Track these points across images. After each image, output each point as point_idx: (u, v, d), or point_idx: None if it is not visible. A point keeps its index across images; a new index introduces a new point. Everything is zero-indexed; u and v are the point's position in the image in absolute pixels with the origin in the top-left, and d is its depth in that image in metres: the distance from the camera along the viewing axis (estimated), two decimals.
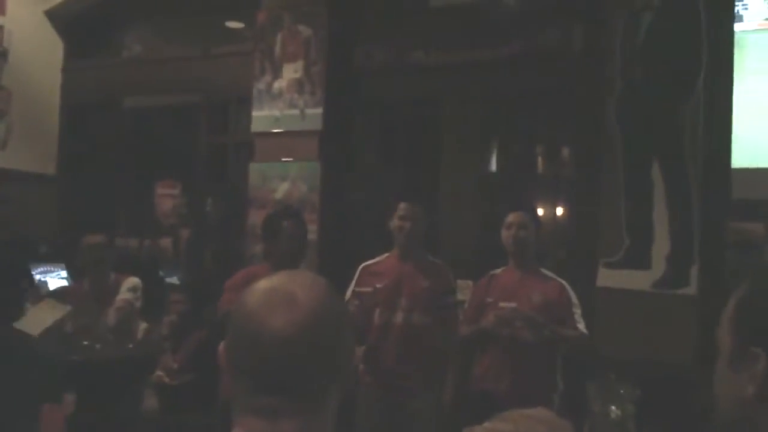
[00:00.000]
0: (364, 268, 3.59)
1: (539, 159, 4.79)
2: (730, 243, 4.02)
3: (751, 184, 3.95)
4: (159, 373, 4.51)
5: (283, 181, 4.89)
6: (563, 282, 3.38)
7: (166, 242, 5.73)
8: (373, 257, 3.66)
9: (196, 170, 5.71)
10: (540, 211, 4.25)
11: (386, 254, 3.59)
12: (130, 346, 3.98)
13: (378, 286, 3.48)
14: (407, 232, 3.47)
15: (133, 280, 4.16)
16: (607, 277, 4.10)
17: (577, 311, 3.31)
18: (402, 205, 3.51)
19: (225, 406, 3.05)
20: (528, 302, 3.27)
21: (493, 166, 4.88)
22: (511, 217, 3.37)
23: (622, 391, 3.42)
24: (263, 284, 1.03)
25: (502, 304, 3.27)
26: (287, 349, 0.97)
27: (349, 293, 3.52)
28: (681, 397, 3.65)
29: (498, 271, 3.47)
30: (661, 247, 4.02)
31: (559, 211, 4.68)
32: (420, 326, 3.44)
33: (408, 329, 3.43)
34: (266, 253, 3.47)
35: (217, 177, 5.65)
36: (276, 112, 4.95)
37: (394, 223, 3.50)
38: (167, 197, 5.65)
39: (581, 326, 3.27)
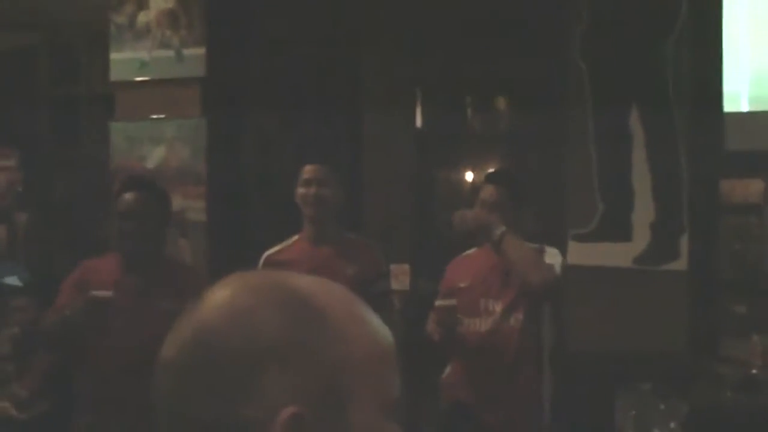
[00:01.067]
0: (267, 258, 3.13)
1: (491, 107, 4.41)
2: (725, 205, 3.69)
3: (750, 132, 3.62)
4: (2, 404, 3.76)
5: (157, 145, 4.34)
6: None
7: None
8: (279, 242, 3.17)
9: (37, 134, 5.01)
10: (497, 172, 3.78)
11: (294, 237, 3.09)
12: None
13: None
14: (316, 201, 2.97)
15: None
16: (578, 253, 3.75)
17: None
18: (308, 168, 3.01)
19: None
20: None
21: (430, 119, 4.33)
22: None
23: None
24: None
25: (439, 303, 2.95)
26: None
27: None
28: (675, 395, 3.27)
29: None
30: (642, 213, 3.72)
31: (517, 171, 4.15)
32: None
33: None
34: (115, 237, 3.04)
35: (66, 142, 5.01)
36: (143, 54, 4.40)
37: (299, 191, 2.99)
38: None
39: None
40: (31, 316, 3.86)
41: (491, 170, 3.68)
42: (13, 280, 4.64)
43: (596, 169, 3.76)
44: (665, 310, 3.60)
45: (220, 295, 0.77)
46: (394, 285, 3.49)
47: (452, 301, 2.87)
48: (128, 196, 2.86)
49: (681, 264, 3.62)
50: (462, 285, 2.97)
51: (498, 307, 2.92)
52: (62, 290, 2.87)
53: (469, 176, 4.24)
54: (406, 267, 3.83)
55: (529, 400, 2.94)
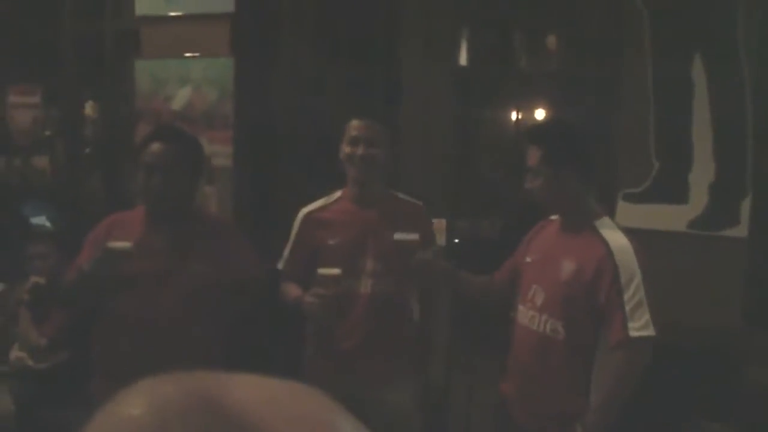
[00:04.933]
0: (307, 215, 2.92)
1: (539, 50, 4.18)
2: None
3: None
4: (18, 354, 3.77)
5: (183, 86, 4.19)
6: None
7: (41, 161, 4.95)
8: (314, 195, 2.97)
9: (61, 71, 4.84)
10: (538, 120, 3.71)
11: (336, 194, 2.90)
12: None
13: (330, 242, 2.79)
14: (364, 162, 2.76)
15: None
16: (629, 214, 3.60)
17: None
18: (355, 124, 2.80)
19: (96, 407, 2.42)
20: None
21: (473, 60, 4.13)
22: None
23: None
24: None
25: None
26: None
27: (287, 251, 2.88)
28: (730, 372, 3.26)
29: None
30: (702, 173, 3.54)
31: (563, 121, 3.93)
32: (395, 295, 2.85)
33: (378, 300, 2.81)
34: (140, 191, 2.77)
35: (90, 80, 4.84)
36: None
37: (345, 150, 2.77)
38: (23, 107, 4.89)
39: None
40: (51, 265, 3.81)
41: (531, 129, 3.45)
42: (40, 220, 4.69)
43: (653, 123, 3.58)
44: (722, 279, 3.43)
45: (121, 416, 0.58)
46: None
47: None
48: (155, 146, 2.62)
49: (741, 230, 3.45)
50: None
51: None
52: (85, 245, 2.71)
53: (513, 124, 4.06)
54: (442, 222, 3.69)
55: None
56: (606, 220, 2.55)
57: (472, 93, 4.12)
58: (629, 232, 3.49)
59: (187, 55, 4.20)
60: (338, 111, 3.08)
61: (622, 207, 3.61)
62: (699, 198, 3.52)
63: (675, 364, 3.27)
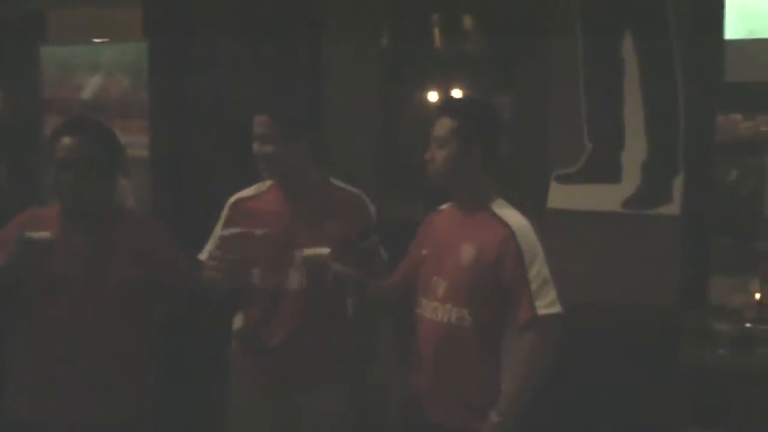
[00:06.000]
0: (236, 202, 2.82)
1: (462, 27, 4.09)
2: (722, 143, 3.52)
3: (752, 62, 3.44)
4: None
5: (94, 73, 4.09)
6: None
7: None
8: (230, 182, 2.91)
9: None
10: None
11: (268, 182, 2.78)
12: None
13: (258, 233, 2.65)
14: (266, 159, 2.67)
15: None
16: (561, 195, 3.64)
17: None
18: (256, 120, 2.68)
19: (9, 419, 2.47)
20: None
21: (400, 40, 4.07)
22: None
23: None
24: None
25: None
26: None
27: (210, 244, 2.74)
28: (666, 351, 3.26)
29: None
30: (634, 151, 3.56)
31: (497, 102, 4.00)
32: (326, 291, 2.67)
33: (308, 296, 2.68)
34: (53, 189, 2.59)
35: None
36: None
37: (254, 146, 2.68)
38: None
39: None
40: None
41: (445, 100, 3.39)
42: None
43: (584, 103, 3.58)
44: (656, 258, 3.45)
45: None
46: None
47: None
48: (66, 140, 2.46)
49: (674, 208, 3.48)
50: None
51: None
52: None
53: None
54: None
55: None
56: (501, 201, 2.51)
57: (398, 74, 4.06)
58: (562, 214, 3.60)
59: (97, 40, 4.08)
60: (258, 95, 2.96)
61: (555, 188, 3.61)
62: (632, 177, 3.54)
63: (610, 343, 3.34)
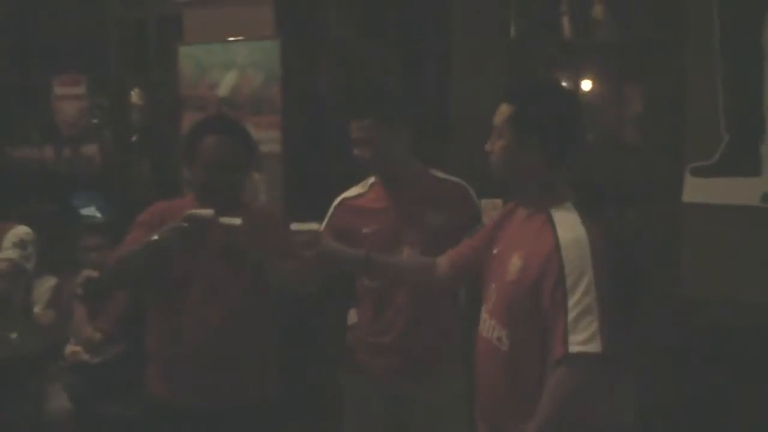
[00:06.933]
0: (342, 202, 2.85)
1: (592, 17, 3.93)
2: None
3: None
4: (73, 349, 3.82)
5: (228, 71, 4.19)
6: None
7: (90, 150, 4.98)
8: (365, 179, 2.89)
9: (104, 59, 4.86)
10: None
11: (370, 179, 2.82)
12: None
13: (365, 230, 2.70)
14: (366, 162, 2.73)
15: (21, 231, 3.82)
16: (697, 189, 3.51)
17: None
18: (354, 125, 2.71)
19: (150, 399, 2.70)
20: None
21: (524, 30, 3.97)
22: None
23: None
24: None
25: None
26: None
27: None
28: None
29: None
30: None
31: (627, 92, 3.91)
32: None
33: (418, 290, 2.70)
34: (191, 180, 2.81)
35: (133, 68, 4.86)
36: None
37: (354, 150, 2.75)
38: (69, 98, 4.89)
39: None
40: (105, 257, 3.90)
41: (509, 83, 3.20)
42: (90, 211, 4.72)
43: (721, 92, 3.42)
44: None
45: None
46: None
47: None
48: (211, 140, 2.63)
49: None
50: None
51: None
52: (134, 227, 2.68)
53: None
54: (498, 201, 3.62)
55: None
56: (568, 204, 2.10)
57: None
58: (698, 208, 3.49)
59: (231, 38, 4.19)
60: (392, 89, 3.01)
61: (691, 181, 3.48)
62: None
63: (748, 340, 3.25)
